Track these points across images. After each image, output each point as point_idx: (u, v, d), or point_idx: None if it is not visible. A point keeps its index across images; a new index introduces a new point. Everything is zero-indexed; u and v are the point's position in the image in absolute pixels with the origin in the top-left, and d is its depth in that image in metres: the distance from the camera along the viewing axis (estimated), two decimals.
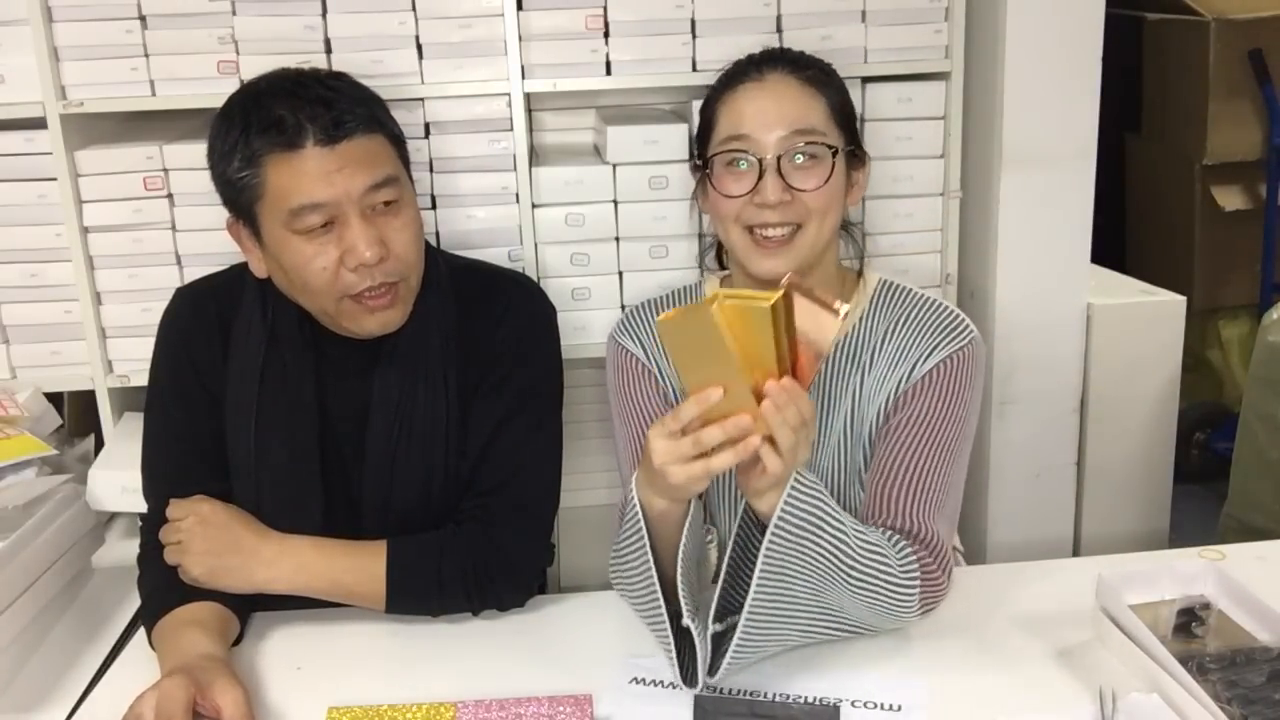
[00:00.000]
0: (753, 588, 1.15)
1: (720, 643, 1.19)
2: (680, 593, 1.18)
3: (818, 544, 1.16)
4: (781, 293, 1.04)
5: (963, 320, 1.43)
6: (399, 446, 1.40)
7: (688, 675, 1.19)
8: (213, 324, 1.43)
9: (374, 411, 1.41)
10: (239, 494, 1.40)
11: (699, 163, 1.47)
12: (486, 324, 1.43)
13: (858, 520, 1.23)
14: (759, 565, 1.15)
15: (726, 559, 1.21)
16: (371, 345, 1.40)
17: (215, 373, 1.42)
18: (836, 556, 1.17)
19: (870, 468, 1.39)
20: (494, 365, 1.42)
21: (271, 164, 1.28)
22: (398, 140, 1.38)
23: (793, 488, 1.13)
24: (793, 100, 1.40)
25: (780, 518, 1.13)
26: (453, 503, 1.42)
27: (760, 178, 1.37)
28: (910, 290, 1.48)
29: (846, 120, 1.44)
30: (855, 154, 1.45)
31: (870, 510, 1.33)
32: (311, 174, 1.27)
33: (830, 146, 1.38)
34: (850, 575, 1.18)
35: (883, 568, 1.20)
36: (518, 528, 1.39)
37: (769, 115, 1.38)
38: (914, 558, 1.24)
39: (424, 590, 1.35)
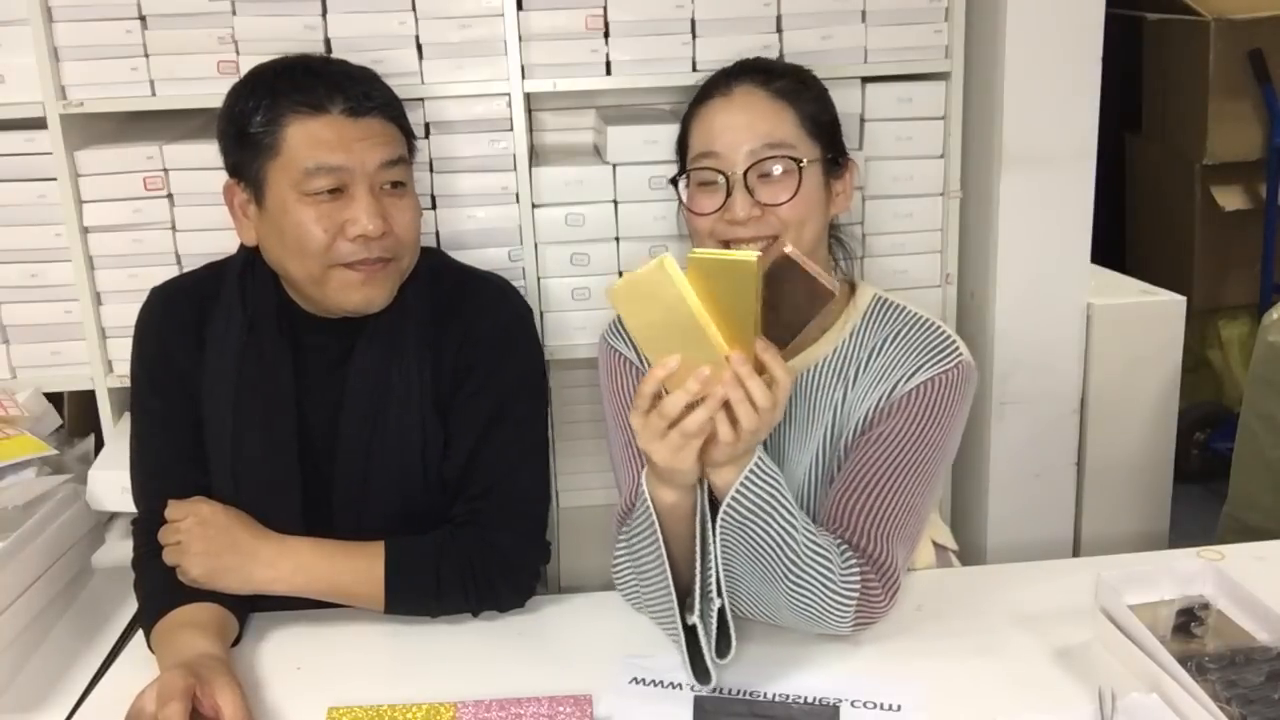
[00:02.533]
0: (717, 566, 1.16)
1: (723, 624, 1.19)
2: (695, 589, 1.17)
3: (765, 531, 1.16)
4: (758, 255, 1.05)
5: (953, 343, 1.40)
6: (374, 437, 1.40)
7: (700, 672, 1.19)
8: (187, 321, 1.43)
9: (348, 399, 1.40)
10: (217, 487, 1.39)
11: (676, 176, 1.46)
12: (459, 322, 1.44)
13: (812, 522, 1.22)
14: (717, 544, 1.15)
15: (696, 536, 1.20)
16: (348, 334, 1.41)
17: (192, 369, 1.41)
18: (781, 549, 1.17)
19: (837, 476, 1.36)
20: (471, 366, 1.42)
21: (294, 123, 1.32)
22: (409, 135, 1.42)
23: (752, 470, 1.14)
24: (760, 114, 1.39)
25: (733, 497, 1.14)
26: (433, 505, 1.41)
27: (729, 194, 1.36)
28: (904, 308, 1.44)
29: (822, 129, 1.42)
30: (837, 162, 1.44)
31: (829, 518, 1.31)
32: (332, 139, 1.31)
33: (797, 159, 1.37)
34: (790, 572, 1.18)
35: (824, 573, 1.19)
36: (514, 529, 1.39)
37: (737, 131, 1.37)
38: (858, 572, 1.22)
39: (423, 592, 1.35)
